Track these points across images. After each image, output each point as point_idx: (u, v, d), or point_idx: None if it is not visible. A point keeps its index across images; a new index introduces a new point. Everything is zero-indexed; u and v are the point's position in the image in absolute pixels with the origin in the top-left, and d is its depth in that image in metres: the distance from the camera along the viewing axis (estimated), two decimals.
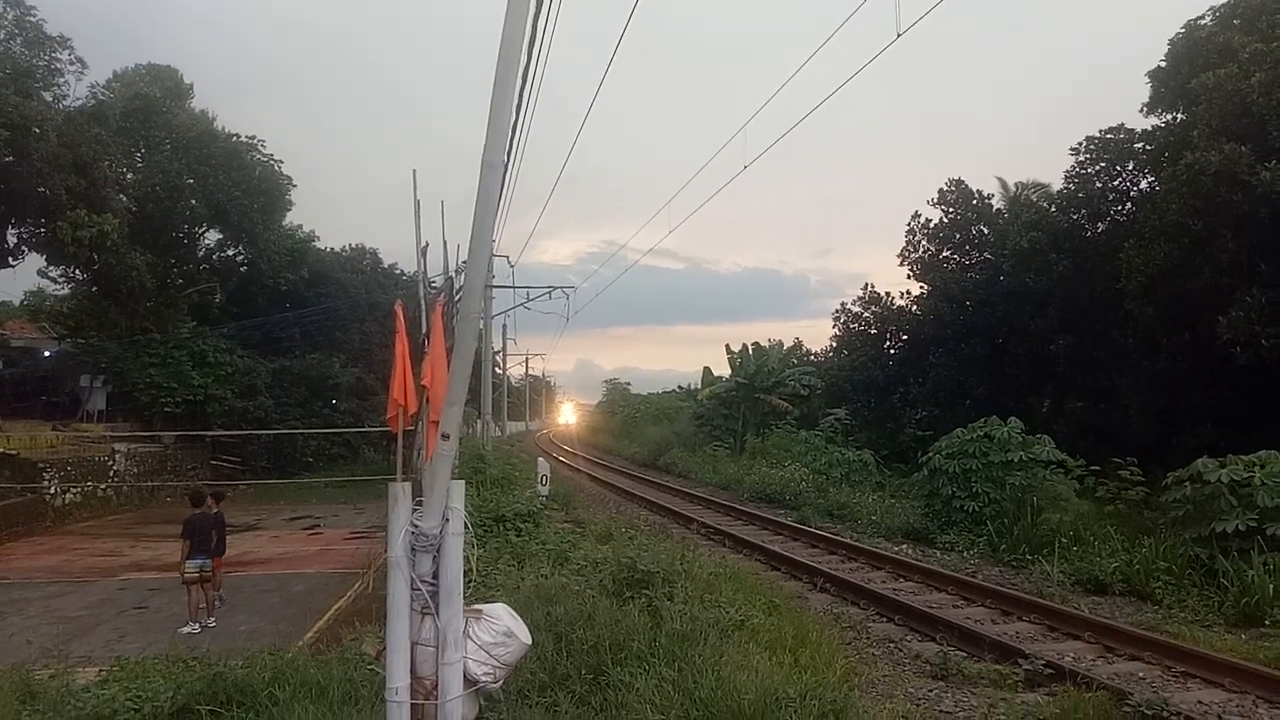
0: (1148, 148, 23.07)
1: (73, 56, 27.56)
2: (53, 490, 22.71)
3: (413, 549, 3.90)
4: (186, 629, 10.92)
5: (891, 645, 9.91)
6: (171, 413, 30.55)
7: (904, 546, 16.83)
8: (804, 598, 12.10)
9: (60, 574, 15.47)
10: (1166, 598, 11.52)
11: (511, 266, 35.24)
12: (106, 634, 11.14)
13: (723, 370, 46.24)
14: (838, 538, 17.54)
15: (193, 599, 11.23)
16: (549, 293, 32.99)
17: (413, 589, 3.88)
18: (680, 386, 71.77)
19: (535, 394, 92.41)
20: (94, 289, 30.88)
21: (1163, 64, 22.27)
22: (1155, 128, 23.04)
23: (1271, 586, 10.54)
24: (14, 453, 22.83)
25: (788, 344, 45.62)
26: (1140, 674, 8.67)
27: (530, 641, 4.36)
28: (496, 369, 45.27)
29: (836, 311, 34.38)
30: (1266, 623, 10.11)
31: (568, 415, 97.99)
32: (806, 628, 8.51)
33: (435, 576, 3.91)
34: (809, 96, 12.89)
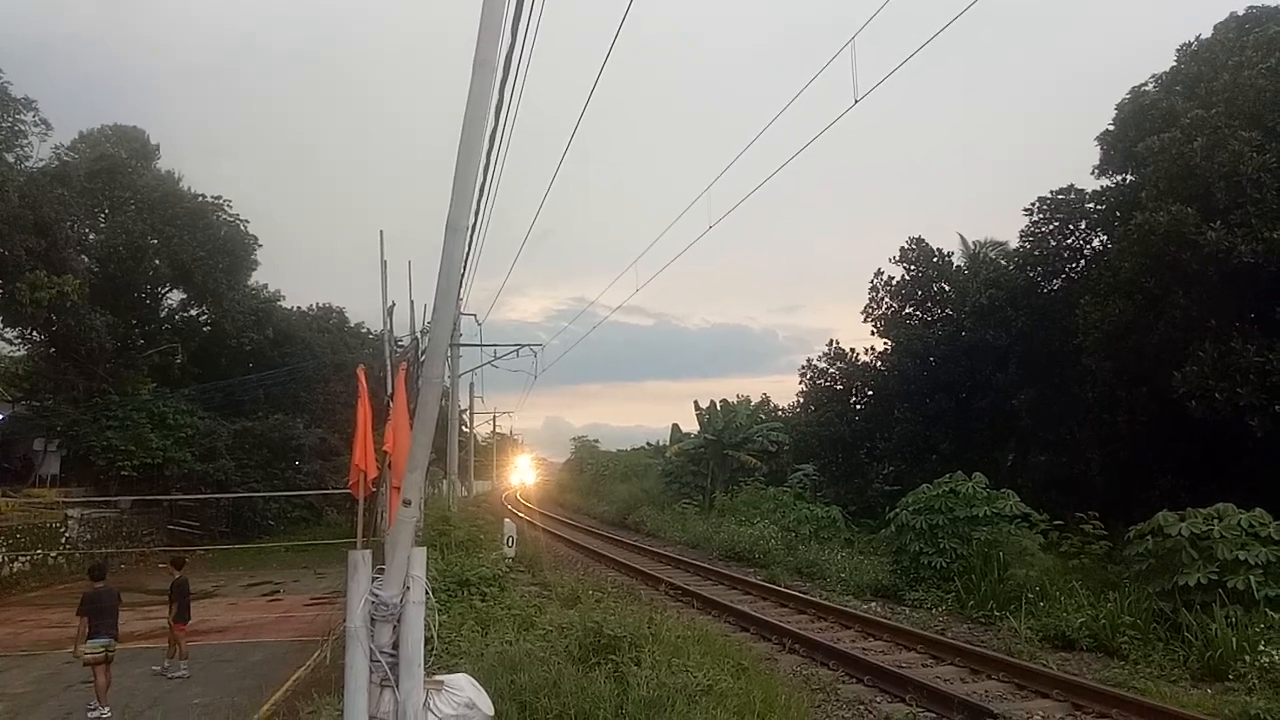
0: (1099, 208, 23.84)
1: (37, 119, 27.53)
2: None
3: (372, 619, 3.82)
4: (94, 713, 10.26)
5: (861, 707, 9.81)
6: (129, 477, 29.78)
7: (873, 604, 16.77)
8: (773, 659, 11.97)
9: (6, 647, 14.86)
10: (1133, 653, 11.56)
11: (479, 325, 35.30)
12: (52, 711, 10.71)
13: (691, 427, 46.33)
14: (807, 596, 17.45)
15: (101, 680, 10.44)
16: (516, 350, 33.01)
17: (372, 660, 3.80)
18: (649, 443, 71.59)
19: (499, 450, 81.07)
20: (52, 350, 30.35)
21: (1111, 128, 23.15)
22: (1105, 188, 23.84)
23: (1234, 640, 10.62)
24: None
25: (755, 400, 45.92)
26: None
27: (493, 713, 4.27)
28: (463, 428, 44.94)
29: (803, 368, 34.66)
30: (1230, 677, 10.15)
31: (524, 473, 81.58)
32: (775, 691, 8.41)
33: (395, 647, 3.83)
34: (771, 157, 13.21)
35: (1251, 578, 11.60)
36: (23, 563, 22.87)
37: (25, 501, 26.69)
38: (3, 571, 22.00)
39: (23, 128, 27.11)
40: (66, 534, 25.56)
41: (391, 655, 3.81)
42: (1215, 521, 12.46)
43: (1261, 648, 10.29)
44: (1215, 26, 21.15)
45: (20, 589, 21.99)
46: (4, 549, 22.28)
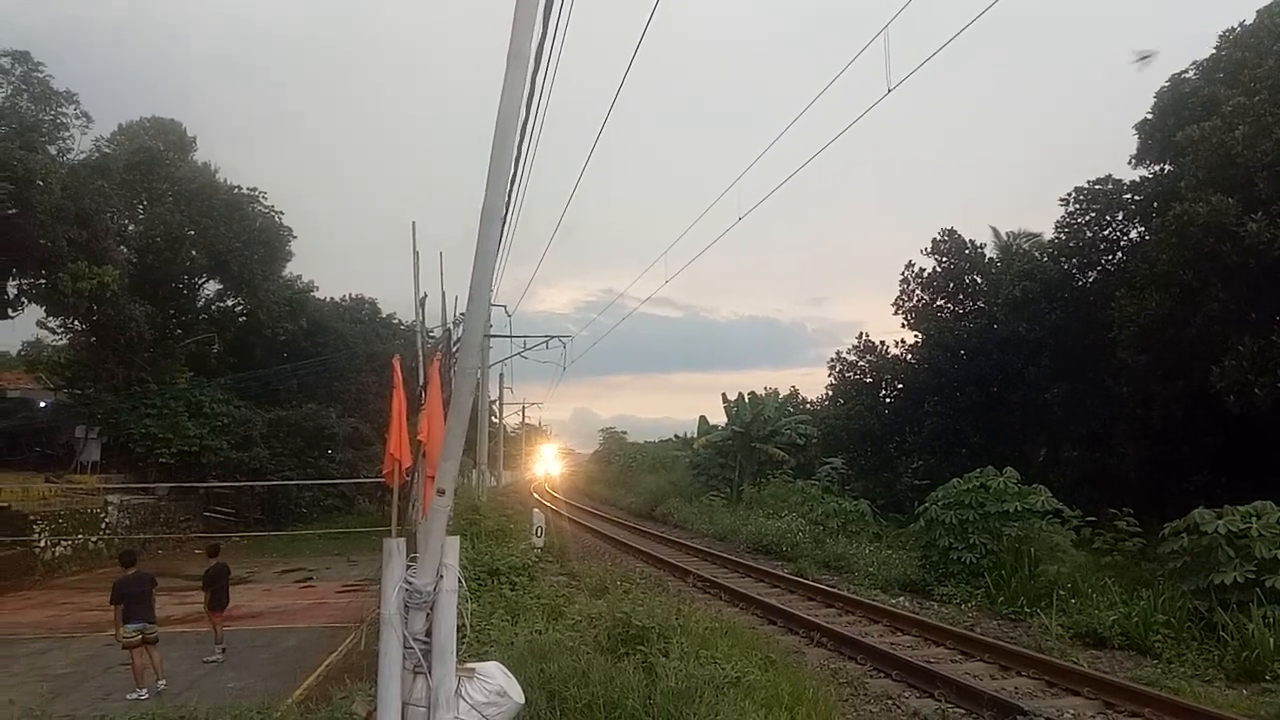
0: (1136, 198, 23.42)
1: (78, 111, 28.02)
2: (42, 543, 22.46)
3: (406, 606, 3.88)
4: (133, 695, 10.50)
5: (889, 702, 9.79)
6: (166, 464, 30.33)
7: (901, 599, 16.69)
8: (801, 653, 11.98)
9: (47, 629, 15.25)
10: (1166, 652, 11.42)
11: (509, 315, 35.31)
12: (92, 692, 10.96)
13: (719, 419, 46.22)
14: (835, 590, 17.40)
15: (137, 663, 10.68)
16: (546, 342, 33.13)
17: (405, 647, 3.86)
18: (677, 435, 71.46)
19: (527, 440, 79.10)
20: (92, 340, 30.97)
21: (1149, 116, 22.71)
22: (1143, 179, 23.41)
23: (1272, 640, 10.47)
24: (4, 505, 22.63)
25: (784, 392, 45.71)
26: None
27: (523, 700, 4.32)
28: (493, 418, 45.22)
29: (832, 360, 34.51)
30: (1267, 678, 10.02)
31: (552, 464, 78.20)
32: (803, 684, 8.41)
33: (428, 634, 3.89)
34: (802, 149, 13.12)
35: None
36: (64, 547, 23.37)
37: (67, 487, 27.32)
38: (45, 556, 22.50)
39: (64, 120, 27.62)
40: (106, 519, 26.09)
41: (425, 642, 3.87)
42: (1253, 519, 12.25)
43: None
44: (1258, 11, 20.59)
45: (62, 572, 22.51)
46: (47, 533, 22.78)
